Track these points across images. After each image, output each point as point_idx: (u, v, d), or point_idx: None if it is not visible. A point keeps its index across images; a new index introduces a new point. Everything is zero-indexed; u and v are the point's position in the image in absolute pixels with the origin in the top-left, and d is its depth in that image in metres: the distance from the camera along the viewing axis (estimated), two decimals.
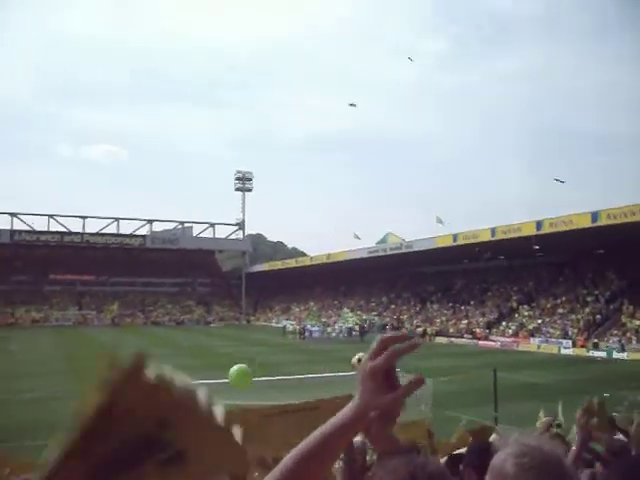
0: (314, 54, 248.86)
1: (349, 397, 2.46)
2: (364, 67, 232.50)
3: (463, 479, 2.70)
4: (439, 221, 54.93)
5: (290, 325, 60.93)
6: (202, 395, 0.86)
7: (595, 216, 36.71)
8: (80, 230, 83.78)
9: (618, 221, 35.27)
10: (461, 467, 2.76)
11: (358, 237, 67.64)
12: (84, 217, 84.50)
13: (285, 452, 2.74)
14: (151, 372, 0.78)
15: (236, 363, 5.69)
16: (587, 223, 37.24)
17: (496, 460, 1.30)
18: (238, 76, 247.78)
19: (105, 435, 0.78)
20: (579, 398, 3.91)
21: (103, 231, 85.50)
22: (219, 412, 0.89)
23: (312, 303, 77.98)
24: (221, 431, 0.89)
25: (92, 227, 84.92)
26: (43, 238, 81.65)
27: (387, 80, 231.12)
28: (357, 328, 53.13)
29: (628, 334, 38.62)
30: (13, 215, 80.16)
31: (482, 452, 2.35)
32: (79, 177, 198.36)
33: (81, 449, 0.79)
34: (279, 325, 67.03)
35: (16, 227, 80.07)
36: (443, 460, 4.50)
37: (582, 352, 38.12)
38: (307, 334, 51.51)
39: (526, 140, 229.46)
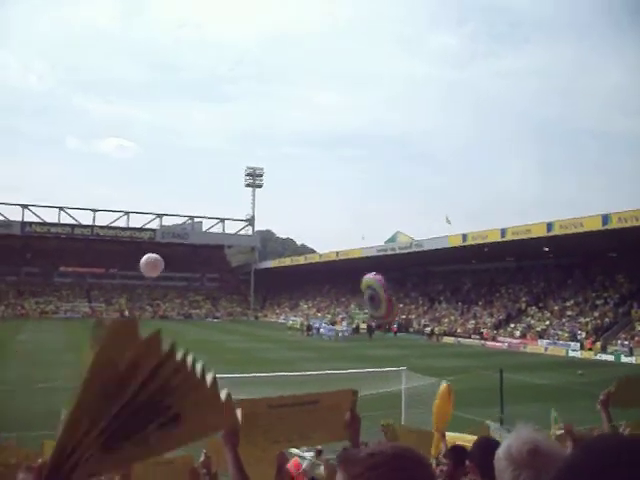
0: (325, 50, 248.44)
1: (349, 392, 2.46)
2: (373, 63, 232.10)
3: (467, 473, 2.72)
4: (448, 221, 54.56)
5: (292, 321, 60.62)
6: (197, 362, 1.03)
7: (606, 219, 36.41)
8: (90, 223, 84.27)
9: (629, 224, 35.00)
10: (467, 462, 2.77)
11: (363, 238, 67.96)
12: (94, 210, 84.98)
13: (283, 445, 2.73)
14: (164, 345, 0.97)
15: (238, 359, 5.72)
16: (598, 226, 36.96)
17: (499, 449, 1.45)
18: (248, 71, 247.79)
19: (117, 400, 0.93)
20: (585, 400, 4.05)
21: (113, 224, 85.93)
22: (210, 377, 1.07)
23: (320, 299, 78.07)
24: (212, 395, 1.07)
25: (102, 220, 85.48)
26: (54, 230, 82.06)
27: (397, 76, 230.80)
28: (365, 327, 53.13)
29: (637, 338, 38.38)
30: (24, 207, 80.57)
31: (487, 448, 2.35)
32: (89, 170, 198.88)
33: (95, 412, 0.94)
34: (287, 321, 67.05)
35: (27, 219, 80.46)
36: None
37: (590, 355, 37.96)
38: (314, 331, 51.35)
39: (533, 138, 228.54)
